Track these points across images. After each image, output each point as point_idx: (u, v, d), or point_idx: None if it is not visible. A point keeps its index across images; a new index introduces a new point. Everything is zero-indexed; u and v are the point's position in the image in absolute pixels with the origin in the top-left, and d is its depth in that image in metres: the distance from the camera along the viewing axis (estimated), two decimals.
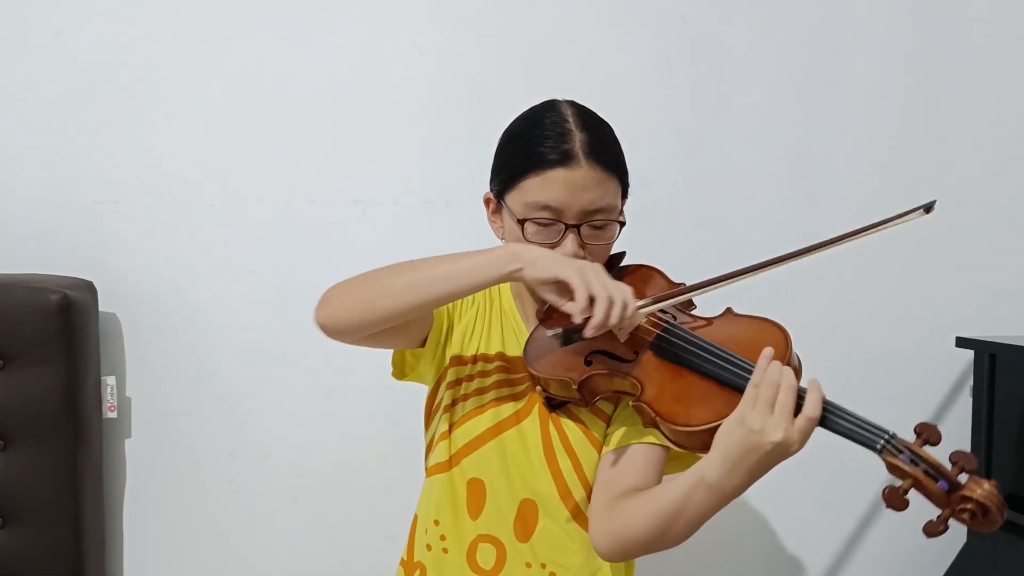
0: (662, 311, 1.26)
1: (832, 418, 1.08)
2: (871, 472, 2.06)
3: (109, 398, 1.89)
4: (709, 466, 1.09)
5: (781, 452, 1.06)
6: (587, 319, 1.13)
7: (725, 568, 2.09)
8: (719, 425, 1.10)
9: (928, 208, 1.25)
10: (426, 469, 1.41)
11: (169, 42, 1.89)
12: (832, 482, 2.08)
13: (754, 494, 2.07)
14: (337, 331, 1.25)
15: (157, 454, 1.95)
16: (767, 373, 1.08)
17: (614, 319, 1.13)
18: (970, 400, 1.99)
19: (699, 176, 2.03)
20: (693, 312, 1.31)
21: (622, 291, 1.14)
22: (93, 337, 1.84)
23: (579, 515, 1.32)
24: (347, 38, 1.93)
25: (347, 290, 1.24)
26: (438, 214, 1.96)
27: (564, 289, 1.15)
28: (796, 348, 1.17)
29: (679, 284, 1.34)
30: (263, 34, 1.91)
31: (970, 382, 2.00)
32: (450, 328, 1.37)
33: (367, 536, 1.96)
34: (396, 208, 1.96)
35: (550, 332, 1.19)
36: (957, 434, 2.07)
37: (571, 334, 1.16)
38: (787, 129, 2.04)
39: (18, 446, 1.74)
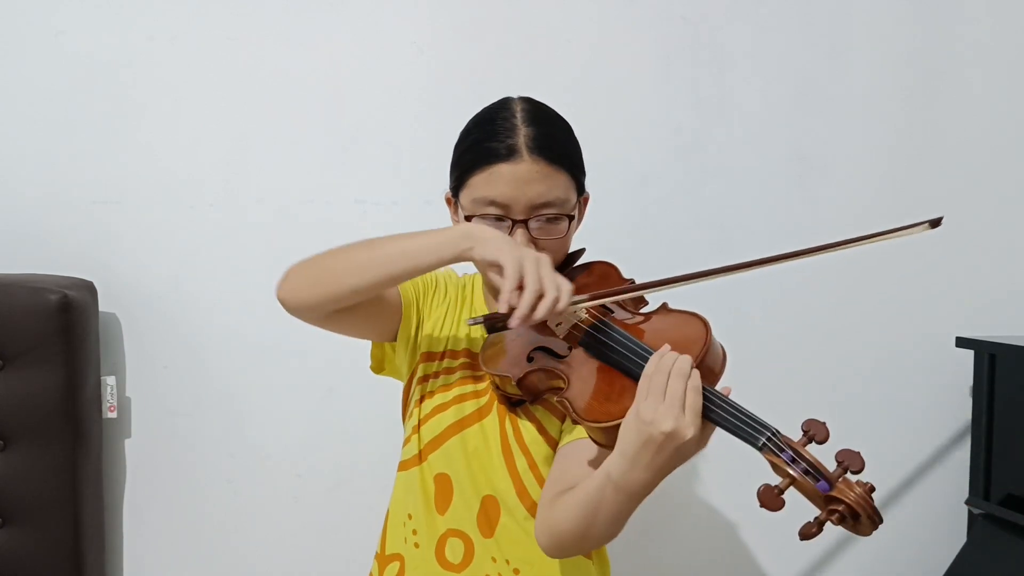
0: (603, 306, 1.25)
1: (716, 411, 1.04)
2: (872, 471, 2.06)
3: (109, 398, 1.89)
4: (613, 462, 1.07)
5: (676, 444, 1.02)
6: (513, 309, 1.09)
7: (722, 566, 2.10)
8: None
9: (935, 223, 1.18)
10: (399, 464, 1.42)
11: (169, 42, 1.89)
12: None
13: (752, 491, 2.07)
14: (297, 307, 1.26)
15: (157, 454, 1.95)
16: (660, 362, 1.05)
17: (540, 312, 1.09)
18: (970, 400, 1.99)
19: (699, 176, 2.03)
20: (641, 308, 1.30)
21: (557, 285, 1.10)
22: (93, 337, 1.84)
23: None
24: (347, 38, 1.93)
25: (308, 266, 1.26)
26: (438, 214, 1.95)
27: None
28: (721, 339, 1.15)
29: (629, 280, 1.34)
30: (263, 34, 1.91)
31: (970, 382, 1.99)
32: (420, 324, 1.38)
33: (367, 536, 1.96)
34: (396, 208, 1.96)
35: (479, 319, 1.16)
36: (957, 434, 2.07)
37: (495, 322, 1.13)
38: (787, 129, 2.04)
39: (18, 446, 1.74)
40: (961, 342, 1.98)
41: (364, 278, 1.21)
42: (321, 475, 1.97)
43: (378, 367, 1.45)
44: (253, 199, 1.93)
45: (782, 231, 2.06)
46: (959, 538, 2.03)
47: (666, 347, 1.08)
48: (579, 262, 1.39)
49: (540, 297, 1.09)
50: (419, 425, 1.37)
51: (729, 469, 1.89)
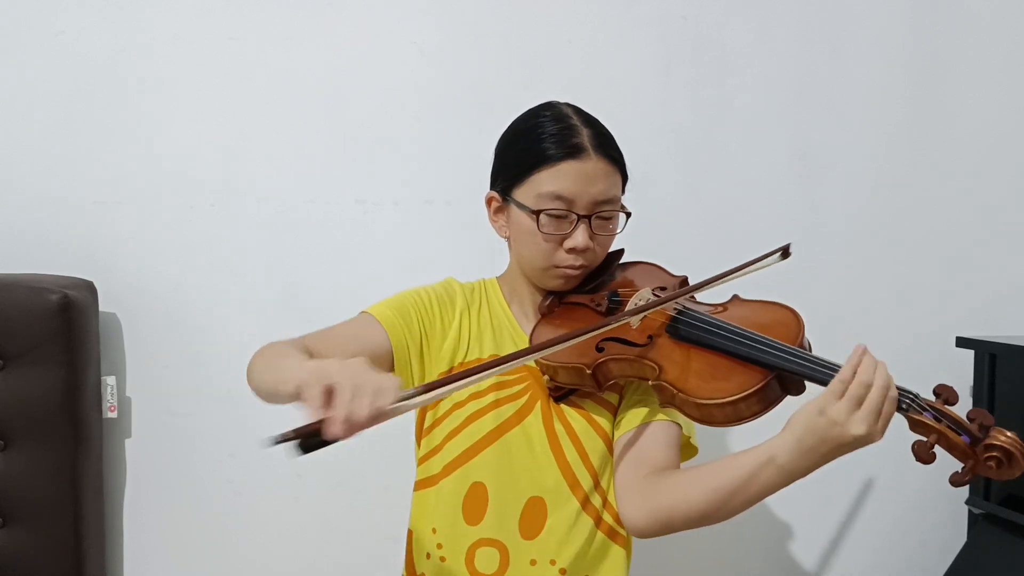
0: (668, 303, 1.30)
1: None
2: (872, 471, 2.07)
3: (109, 398, 1.89)
4: (782, 447, 1.10)
5: (862, 444, 1.08)
6: (324, 419, 1.01)
7: (724, 565, 2.10)
8: (742, 397, 1.14)
9: (785, 252, 1.34)
10: (415, 483, 1.42)
11: (169, 42, 1.89)
12: (832, 481, 2.08)
13: None
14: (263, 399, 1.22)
15: (157, 454, 1.95)
16: (860, 371, 1.09)
17: (361, 413, 1.00)
18: (970, 400, 1.99)
19: (699, 176, 2.03)
20: (701, 302, 1.36)
21: (377, 382, 0.99)
22: (93, 337, 1.84)
23: (587, 505, 1.34)
24: (347, 38, 1.92)
25: (251, 365, 1.23)
26: (438, 214, 1.96)
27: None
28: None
29: (681, 277, 1.40)
30: (263, 34, 1.91)
31: (970, 382, 1.99)
32: (426, 352, 1.37)
33: (367, 536, 1.96)
34: (396, 208, 1.95)
35: (281, 441, 1.05)
36: None
37: (309, 437, 1.03)
38: (787, 129, 2.04)
39: (18, 446, 1.74)
40: (961, 342, 1.98)
41: (269, 393, 1.17)
42: (321, 475, 1.97)
43: None
44: (253, 199, 1.92)
45: (783, 231, 2.05)
46: (959, 538, 2.03)
47: (862, 349, 1.13)
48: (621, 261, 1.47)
49: (351, 399, 1.00)
50: (447, 440, 1.37)
51: None
